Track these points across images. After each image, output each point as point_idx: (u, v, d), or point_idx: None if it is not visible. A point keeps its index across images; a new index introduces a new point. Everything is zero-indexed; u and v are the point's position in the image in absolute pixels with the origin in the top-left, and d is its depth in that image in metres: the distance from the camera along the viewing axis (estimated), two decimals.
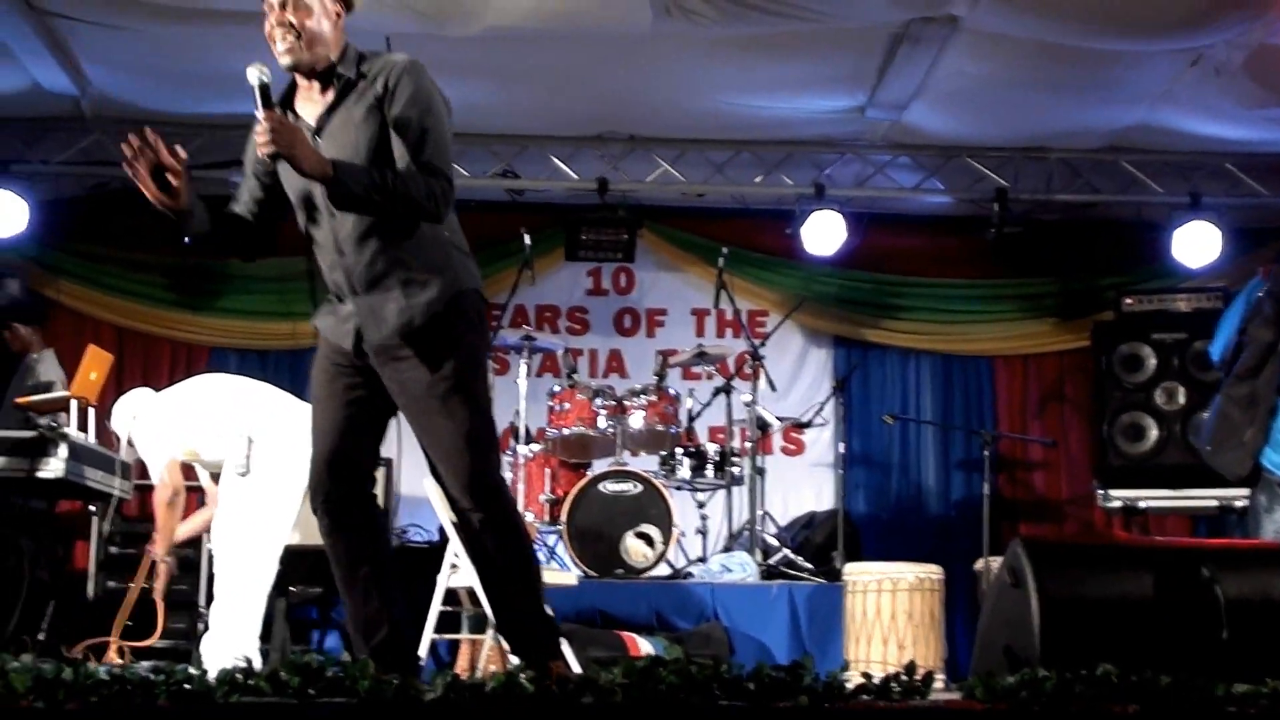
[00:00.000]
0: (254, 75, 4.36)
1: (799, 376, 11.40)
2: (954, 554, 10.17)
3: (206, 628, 7.10)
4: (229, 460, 6.66)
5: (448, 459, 4.53)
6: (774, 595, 8.67)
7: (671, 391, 9.70)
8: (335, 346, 4.68)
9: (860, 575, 8.02)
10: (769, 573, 9.14)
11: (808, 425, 10.37)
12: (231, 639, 6.41)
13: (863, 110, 9.77)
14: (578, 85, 9.45)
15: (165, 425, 6.87)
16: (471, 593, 7.00)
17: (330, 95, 4.60)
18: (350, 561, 4.62)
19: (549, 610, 4.74)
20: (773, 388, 9.94)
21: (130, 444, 7.11)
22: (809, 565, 9.30)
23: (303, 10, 4.51)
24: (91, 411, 8.38)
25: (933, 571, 8.00)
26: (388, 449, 10.72)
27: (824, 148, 10.55)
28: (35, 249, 10.64)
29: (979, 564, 9.18)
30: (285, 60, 4.54)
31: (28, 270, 10.54)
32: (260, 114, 4.32)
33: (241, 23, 8.38)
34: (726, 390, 9.90)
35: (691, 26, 8.17)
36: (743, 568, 9.00)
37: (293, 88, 4.68)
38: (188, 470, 7.07)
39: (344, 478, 4.61)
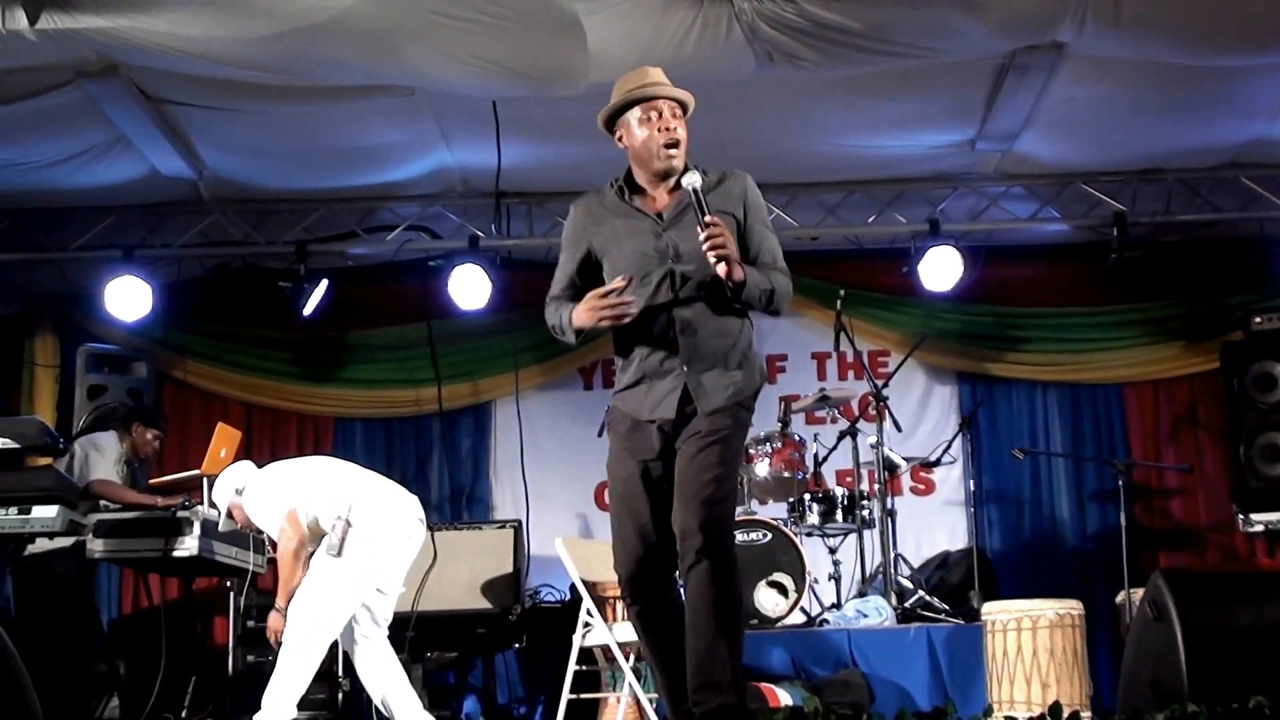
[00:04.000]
0: (690, 182, 4.88)
1: (924, 415, 11.30)
2: (1094, 587, 10.02)
3: None
4: (324, 539, 6.74)
5: (694, 496, 4.84)
6: (912, 638, 8.59)
7: (796, 437, 9.65)
8: (637, 424, 5.04)
9: (999, 614, 7.91)
10: (905, 615, 9.04)
11: (936, 464, 10.25)
12: (275, 710, 6.45)
13: (973, 143, 9.70)
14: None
15: (275, 490, 6.95)
16: (607, 650, 6.98)
17: (678, 195, 5.05)
18: (661, 642, 5.04)
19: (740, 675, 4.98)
20: (898, 428, 9.81)
21: (230, 515, 7.15)
22: (945, 606, 9.19)
23: (680, 121, 5.08)
24: None
25: (1073, 607, 7.86)
26: (518, 510, 10.77)
27: (936, 183, 10.49)
28: (161, 331, 10.90)
29: (1120, 597, 9.03)
30: (671, 164, 5.04)
31: (154, 353, 10.74)
32: (707, 219, 4.84)
33: (349, 98, 8.55)
34: (852, 433, 9.81)
35: (794, 71, 8.15)
36: (878, 612, 8.90)
37: (632, 184, 5.16)
38: None
39: (655, 566, 4.99)
